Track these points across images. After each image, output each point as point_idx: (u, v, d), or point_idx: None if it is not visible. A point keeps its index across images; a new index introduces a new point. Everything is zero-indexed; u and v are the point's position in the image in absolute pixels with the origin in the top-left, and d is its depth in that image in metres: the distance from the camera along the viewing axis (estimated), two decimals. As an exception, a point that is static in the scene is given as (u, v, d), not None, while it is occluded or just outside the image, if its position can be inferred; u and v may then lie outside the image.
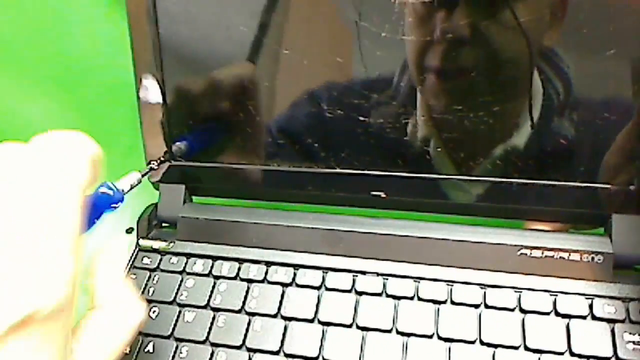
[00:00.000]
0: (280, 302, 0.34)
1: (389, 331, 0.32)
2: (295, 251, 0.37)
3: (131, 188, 0.32)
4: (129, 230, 0.45)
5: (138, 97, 0.38)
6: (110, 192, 0.29)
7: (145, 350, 0.33)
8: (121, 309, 0.27)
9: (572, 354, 0.30)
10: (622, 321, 0.31)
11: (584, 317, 0.31)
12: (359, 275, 0.35)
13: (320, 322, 0.33)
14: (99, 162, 0.25)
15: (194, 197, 0.41)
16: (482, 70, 0.32)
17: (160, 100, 0.38)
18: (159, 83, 0.38)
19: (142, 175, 0.33)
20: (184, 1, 0.36)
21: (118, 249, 0.29)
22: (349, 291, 0.34)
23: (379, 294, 0.34)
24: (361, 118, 0.35)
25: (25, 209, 0.22)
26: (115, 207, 0.30)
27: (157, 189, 0.41)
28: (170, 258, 0.38)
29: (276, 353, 0.32)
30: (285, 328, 0.33)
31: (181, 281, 0.36)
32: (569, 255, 0.33)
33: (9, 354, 0.21)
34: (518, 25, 0.31)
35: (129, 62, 0.46)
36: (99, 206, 0.29)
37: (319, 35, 0.35)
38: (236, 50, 0.36)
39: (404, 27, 0.32)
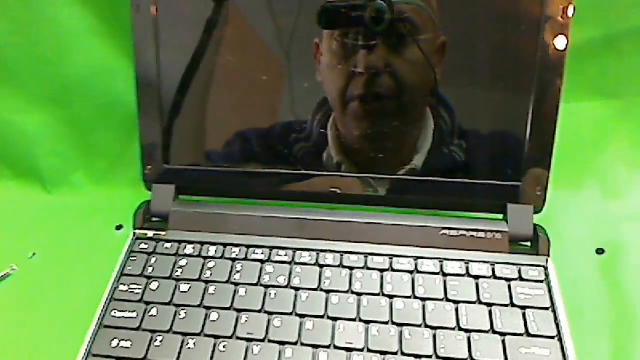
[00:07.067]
0: (260, 275, 0.43)
1: (347, 292, 0.42)
2: (269, 236, 0.46)
3: None
4: (118, 227, 0.52)
5: (139, 111, 0.47)
6: None
7: (150, 314, 0.41)
8: None
9: (481, 302, 0.41)
10: (516, 279, 0.42)
11: (489, 277, 0.42)
12: (321, 253, 0.44)
13: (292, 288, 0.42)
14: None
15: (180, 197, 0.49)
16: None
17: (159, 116, 0.47)
18: (157, 100, 0.46)
19: None
20: (184, 34, 0.45)
21: None
22: (314, 265, 0.44)
23: (337, 266, 0.43)
24: (322, 130, 0.45)
25: None
26: None
27: (149, 190, 0.49)
28: (164, 244, 0.46)
29: (259, 311, 0.41)
30: (265, 294, 0.42)
31: (175, 262, 0.44)
32: (478, 234, 0.44)
33: None
34: (413, 64, 0.43)
35: (121, 83, 0.54)
36: None
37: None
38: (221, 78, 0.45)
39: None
